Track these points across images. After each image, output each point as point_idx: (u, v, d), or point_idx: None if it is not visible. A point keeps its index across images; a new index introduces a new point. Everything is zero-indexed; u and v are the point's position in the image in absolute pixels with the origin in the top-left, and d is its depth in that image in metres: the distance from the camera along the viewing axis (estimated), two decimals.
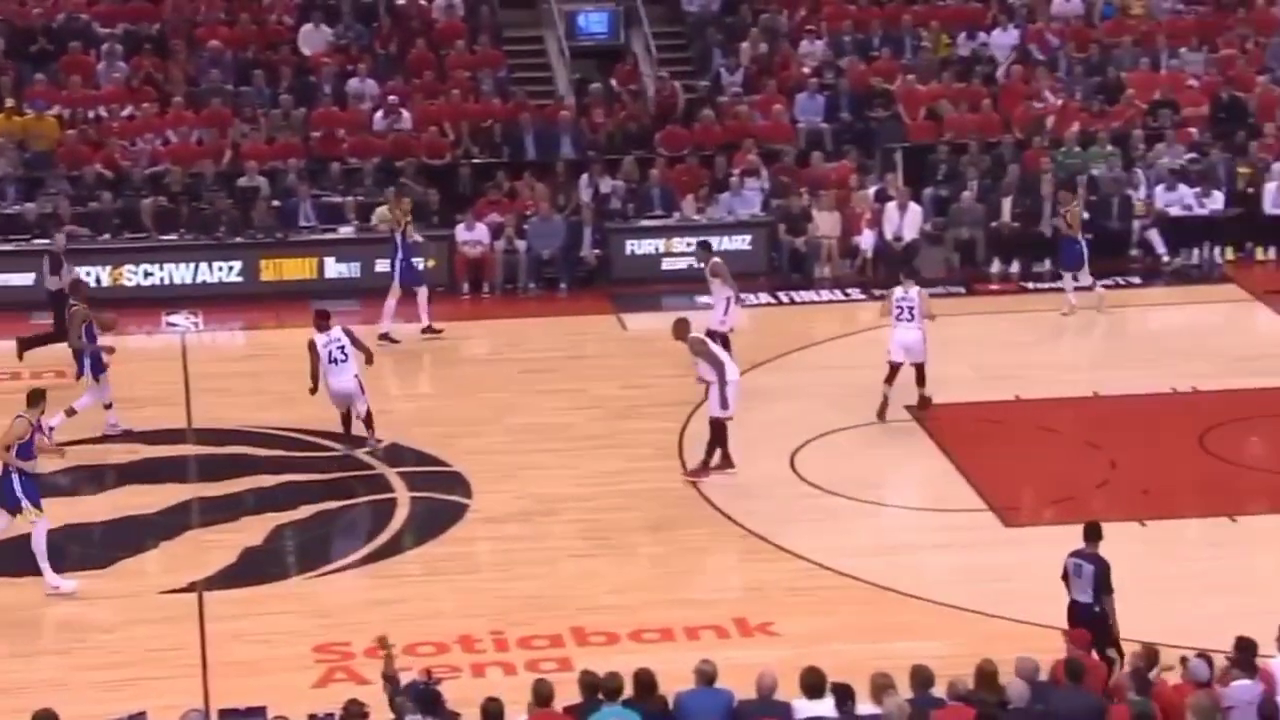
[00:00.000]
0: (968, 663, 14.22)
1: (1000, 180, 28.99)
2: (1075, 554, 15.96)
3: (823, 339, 25.72)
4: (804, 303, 27.30)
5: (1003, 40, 32.26)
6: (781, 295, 27.53)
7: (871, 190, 29.08)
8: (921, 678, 14.02)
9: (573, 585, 18.53)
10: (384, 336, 25.06)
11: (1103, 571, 15.79)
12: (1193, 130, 30.45)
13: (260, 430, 22.34)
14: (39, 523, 18.23)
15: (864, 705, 13.64)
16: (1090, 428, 22.19)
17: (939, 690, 13.92)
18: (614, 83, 31.15)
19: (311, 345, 21.36)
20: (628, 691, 13.83)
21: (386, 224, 26.07)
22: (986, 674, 14.04)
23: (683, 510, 20.17)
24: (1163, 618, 16.74)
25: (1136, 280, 27.25)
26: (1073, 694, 13.98)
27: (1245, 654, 14.38)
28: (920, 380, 22.35)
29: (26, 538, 18.26)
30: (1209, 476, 20.94)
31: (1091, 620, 15.60)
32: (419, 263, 25.68)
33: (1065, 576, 15.96)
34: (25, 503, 18.13)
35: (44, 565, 18.22)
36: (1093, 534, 16.07)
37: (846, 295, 27.52)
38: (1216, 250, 28.54)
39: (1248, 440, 21.93)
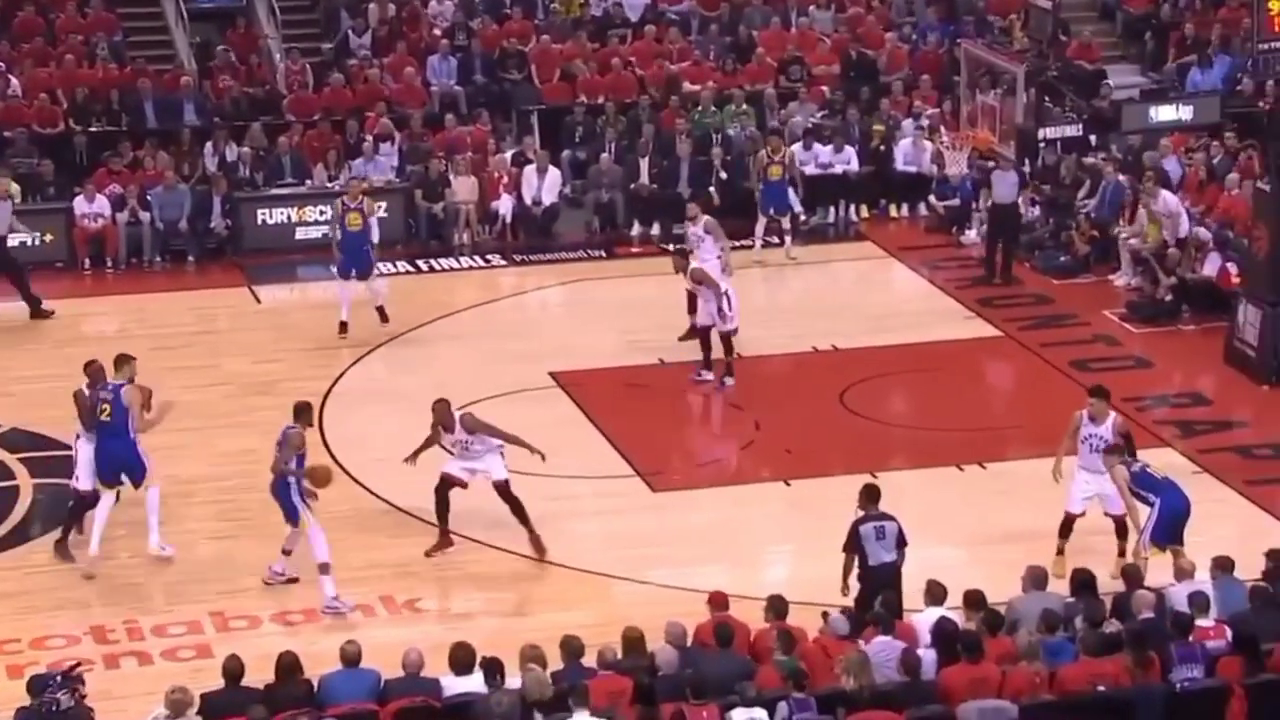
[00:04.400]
0: (617, 630, 14.13)
1: (637, 141, 28.91)
2: (867, 519, 15.84)
3: (463, 306, 25.32)
4: (443, 270, 26.87)
5: None
6: (420, 263, 27.03)
7: (509, 154, 28.76)
8: (571, 648, 13.96)
9: (211, 569, 18.01)
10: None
11: (900, 526, 15.84)
12: (825, 88, 30.76)
13: None
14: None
15: (515, 679, 13.52)
16: (734, 389, 22.19)
17: (589, 660, 13.77)
18: (228, 49, 30.18)
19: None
20: (269, 676, 13.47)
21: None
22: (632, 640, 14.02)
23: (325, 488, 19.56)
24: (809, 575, 16.81)
25: (774, 240, 27.34)
26: (722, 657, 13.98)
27: (886, 609, 14.52)
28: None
29: None
30: (850, 434, 21.10)
31: (894, 578, 15.57)
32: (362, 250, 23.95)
33: (852, 546, 15.77)
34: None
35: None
36: (875, 495, 16.08)
37: (486, 261, 27.18)
38: (851, 208, 28.87)
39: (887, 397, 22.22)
